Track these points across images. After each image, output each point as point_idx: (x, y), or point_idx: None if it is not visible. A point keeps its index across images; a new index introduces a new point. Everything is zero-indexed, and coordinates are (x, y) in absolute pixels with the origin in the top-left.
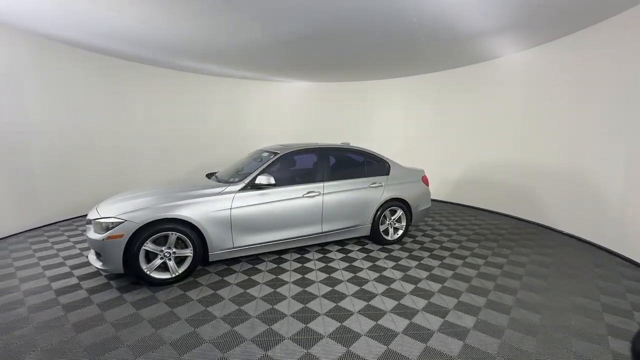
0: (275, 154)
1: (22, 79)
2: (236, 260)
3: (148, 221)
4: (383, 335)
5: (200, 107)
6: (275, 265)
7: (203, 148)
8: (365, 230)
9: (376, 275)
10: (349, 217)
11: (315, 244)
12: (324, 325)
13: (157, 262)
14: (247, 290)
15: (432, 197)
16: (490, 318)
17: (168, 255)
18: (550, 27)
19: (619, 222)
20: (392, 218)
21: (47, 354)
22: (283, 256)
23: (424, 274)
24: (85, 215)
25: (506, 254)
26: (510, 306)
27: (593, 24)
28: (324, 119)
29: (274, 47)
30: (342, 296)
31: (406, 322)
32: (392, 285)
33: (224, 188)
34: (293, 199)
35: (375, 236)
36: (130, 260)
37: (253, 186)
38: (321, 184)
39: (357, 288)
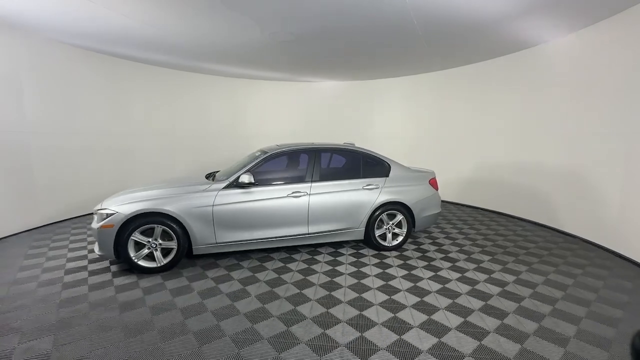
0: (265, 153)
1: (22, 78)
2: (225, 255)
3: (135, 213)
4: (322, 345)
5: (200, 107)
6: (259, 264)
7: (203, 148)
8: (359, 234)
9: (354, 282)
10: (339, 219)
11: (309, 245)
12: (270, 328)
13: (145, 251)
14: (219, 285)
15: (454, 200)
16: (456, 343)
17: (154, 246)
18: (548, 27)
19: None
20: (391, 223)
21: (27, 323)
22: (271, 254)
23: (406, 285)
24: (85, 215)
25: (519, 270)
26: (489, 331)
27: (593, 24)
28: (326, 118)
29: (274, 46)
30: (305, 300)
31: (356, 334)
32: (365, 294)
33: (209, 186)
34: (277, 198)
35: (370, 241)
36: (121, 249)
37: (238, 185)
38: (308, 184)
39: (325, 293)
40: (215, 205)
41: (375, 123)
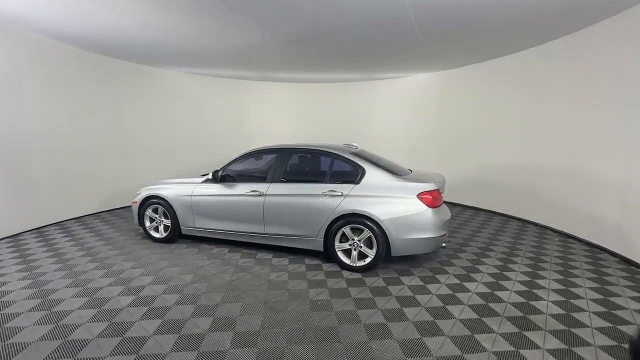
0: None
1: (22, 79)
2: (209, 240)
3: (146, 195)
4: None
5: (200, 108)
6: (226, 251)
7: (203, 148)
8: (317, 245)
9: (257, 286)
10: (293, 224)
11: (282, 247)
12: (142, 329)
13: (154, 224)
14: (171, 260)
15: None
16: None
17: (159, 222)
18: (547, 28)
19: None
20: (356, 239)
21: (60, 261)
22: (243, 247)
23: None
24: (85, 215)
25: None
26: None
27: (593, 24)
28: (329, 119)
29: (274, 47)
30: (176, 290)
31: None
32: (230, 317)
33: (194, 179)
34: (237, 195)
35: (331, 255)
36: (140, 220)
37: (212, 180)
38: (267, 185)
39: (204, 286)
40: (193, 195)
41: (379, 123)
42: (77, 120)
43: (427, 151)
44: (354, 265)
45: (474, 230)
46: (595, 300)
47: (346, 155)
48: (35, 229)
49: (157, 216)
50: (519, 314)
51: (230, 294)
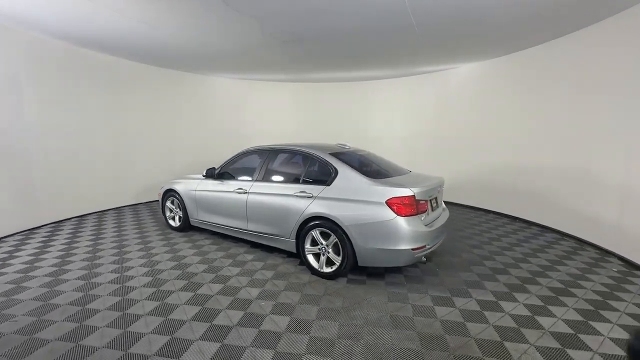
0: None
1: (22, 79)
2: (210, 232)
3: (165, 189)
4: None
5: (200, 107)
6: (220, 245)
7: (203, 148)
8: (290, 246)
9: (219, 279)
10: (270, 223)
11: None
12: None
13: (172, 215)
14: (176, 246)
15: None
16: None
17: (175, 212)
18: (545, 28)
19: None
20: (324, 243)
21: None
22: (237, 241)
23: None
24: (83, 215)
25: None
26: None
27: (593, 23)
28: (327, 118)
29: (274, 47)
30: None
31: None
32: (169, 301)
33: (198, 176)
34: (227, 191)
35: (302, 258)
36: (162, 211)
37: (209, 177)
38: (251, 183)
39: (177, 273)
40: (197, 190)
41: (381, 122)
42: (76, 120)
43: (427, 151)
44: (322, 270)
45: (502, 247)
46: (607, 357)
47: (322, 156)
48: (35, 228)
49: (174, 207)
50: (476, 354)
51: (191, 285)
